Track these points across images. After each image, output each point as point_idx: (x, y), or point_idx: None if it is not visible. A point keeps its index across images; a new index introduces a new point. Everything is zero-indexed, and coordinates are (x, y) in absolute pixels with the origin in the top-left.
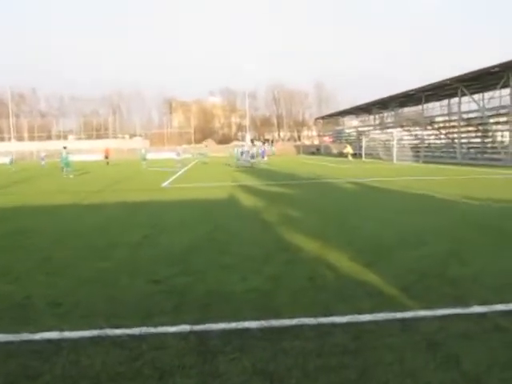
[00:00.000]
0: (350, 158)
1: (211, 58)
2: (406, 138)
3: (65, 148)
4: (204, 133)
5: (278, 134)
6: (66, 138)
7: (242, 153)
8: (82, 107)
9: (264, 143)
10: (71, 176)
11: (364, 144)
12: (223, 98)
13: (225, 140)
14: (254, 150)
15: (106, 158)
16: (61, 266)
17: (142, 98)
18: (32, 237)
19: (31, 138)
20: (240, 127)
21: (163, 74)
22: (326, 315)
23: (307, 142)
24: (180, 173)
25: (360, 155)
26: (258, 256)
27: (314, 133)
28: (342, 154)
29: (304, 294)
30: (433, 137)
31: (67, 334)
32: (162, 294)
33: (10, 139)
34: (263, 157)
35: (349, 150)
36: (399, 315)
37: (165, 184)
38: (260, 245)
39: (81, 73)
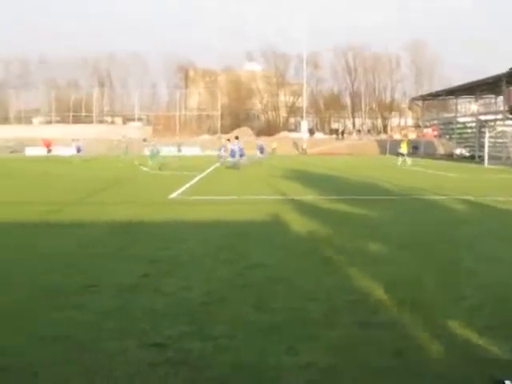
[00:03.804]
0: (400, 159)
1: (248, 6)
2: None
3: None
4: (237, 117)
5: (353, 123)
6: (29, 120)
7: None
8: (54, 76)
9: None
10: None
11: (487, 141)
12: (267, 64)
13: (269, 130)
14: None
15: (49, 151)
16: (5, 315)
17: (144, 65)
18: None
19: None
20: (292, 110)
21: (175, 29)
22: None
23: (398, 136)
24: (198, 178)
25: (480, 158)
26: (315, 314)
27: (410, 121)
28: (451, 156)
29: (388, 377)
30: None
31: None
32: (166, 365)
33: None
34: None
35: (403, 148)
36: None
37: (174, 195)
38: (318, 296)
39: (55, 27)
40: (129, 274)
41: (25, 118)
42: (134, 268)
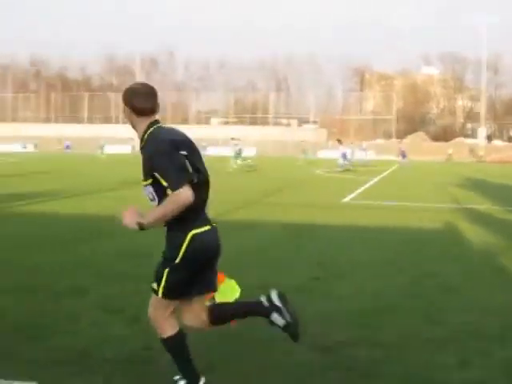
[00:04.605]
0: None
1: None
2: None
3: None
4: (412, 122)
5: None
6: (207, 121)
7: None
8: (233, 78)
9: None
10: None
11: None
12: (445, 68)
13: (445, 135)
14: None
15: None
16: None
17: (320, 68)
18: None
19: (161, 120)
20: (470, 115)
21: (350, 31)
22: None
23: None
24: (372, 182)
25: None
26: (489, 329)
27: None
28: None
29: None
30: None
31: None
32: (333, 369)
33: None
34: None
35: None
36: None
37: (347, 199)
38: (492, 311)
39: (234, 30)
40: (301, 275)
41: (204, 119)
42: (306, 270)
